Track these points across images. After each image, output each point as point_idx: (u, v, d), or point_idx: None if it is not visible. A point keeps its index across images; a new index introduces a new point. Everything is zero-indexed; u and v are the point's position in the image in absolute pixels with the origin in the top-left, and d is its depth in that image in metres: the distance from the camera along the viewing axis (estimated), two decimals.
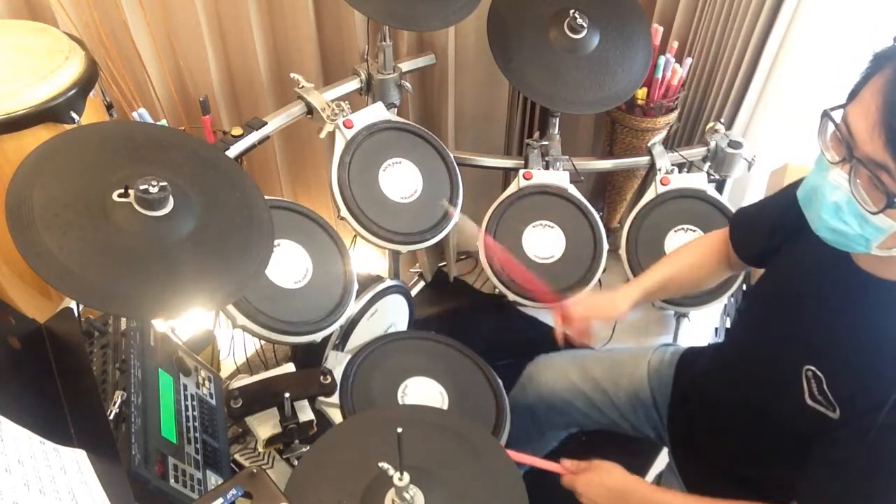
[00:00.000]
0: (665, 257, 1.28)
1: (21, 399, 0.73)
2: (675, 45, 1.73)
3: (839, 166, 0.78)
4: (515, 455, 1.10)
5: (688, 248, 1.27)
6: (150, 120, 1.41)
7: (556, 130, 1.70)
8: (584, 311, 1.20)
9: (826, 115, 0.79)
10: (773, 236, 1.07)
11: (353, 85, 1.60)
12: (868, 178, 0.74)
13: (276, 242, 1.23)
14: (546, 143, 1.70)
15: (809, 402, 0.91)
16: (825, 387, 0.89)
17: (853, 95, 0.77)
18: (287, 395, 1.12)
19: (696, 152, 1.73)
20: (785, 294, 1.02)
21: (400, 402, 1.31)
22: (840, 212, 0.79)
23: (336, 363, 1.38)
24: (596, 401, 1.34)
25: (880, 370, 0.83)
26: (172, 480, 0.86)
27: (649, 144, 1.73)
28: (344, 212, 1.39)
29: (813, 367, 0.91)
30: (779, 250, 1.06)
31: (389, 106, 1.59)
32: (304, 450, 1.17)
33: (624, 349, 1.43)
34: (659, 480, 1.33)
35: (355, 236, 1.60)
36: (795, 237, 1.00)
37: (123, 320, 0.98)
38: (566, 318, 1.21)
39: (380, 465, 0.78)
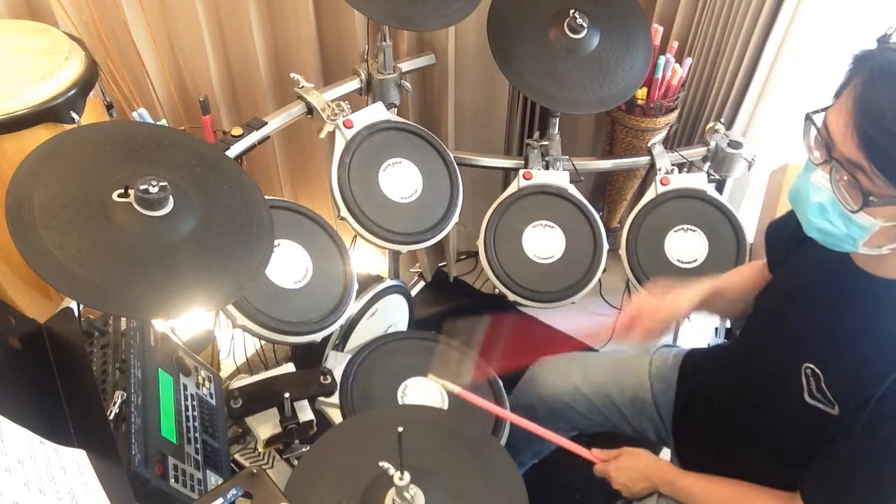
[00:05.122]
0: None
1: (21, 399, 0.73)
2: (675, 45, 1.73)
3: (822, 167, 0.80)
4: (550, 435, 1.12)
5: (735, 269, 1.31)
6: (150, 120, 1.41)
7: (556, 130, 1.70)
8: (652, 313, 1.18)
9: (808, 117, 0.81)
10: (791, 242, 1.08)
11: (353, 85, 1.60)
12: (847, 178, 0.76)
13: (276, 242, 1.23)
14: (546, 143, 1.69)
15: (808, 399, 0.92)
16: (823, 384, 0.90)
17: (835, 98, 0.78)
18: (287, 395, 1.12)
19: (696, 152, 1.73)
20: (789, 294, 1.03)
21: (400, 402, 1.31)
22: (825, 212, 0.81)
23: (336, 363, 1.39)
24: (597, 403, 1.34)
25: (874, 366, 0.84)
26: (172, 480, 0.86)
27: (649, 144, 1.73)
28: (344, 212, 1.39)
29: (812, 365, 0.92)
30: (789, 255, 1.07)
31: (389, 106, 1.59)
32: (304, 450, 1.18)
33: (625, 350, 1.43)
34: None
35: (355, 236, 1.60)
36: (803, 241, 1.01)
37: (123, 320, 0.98)
38: (632, 321, 1.19)
39: (380, 464, 0.78)
